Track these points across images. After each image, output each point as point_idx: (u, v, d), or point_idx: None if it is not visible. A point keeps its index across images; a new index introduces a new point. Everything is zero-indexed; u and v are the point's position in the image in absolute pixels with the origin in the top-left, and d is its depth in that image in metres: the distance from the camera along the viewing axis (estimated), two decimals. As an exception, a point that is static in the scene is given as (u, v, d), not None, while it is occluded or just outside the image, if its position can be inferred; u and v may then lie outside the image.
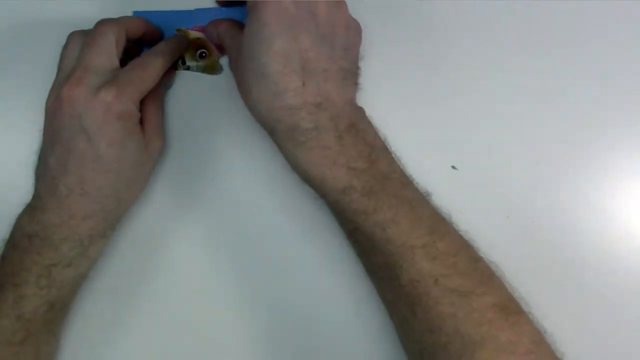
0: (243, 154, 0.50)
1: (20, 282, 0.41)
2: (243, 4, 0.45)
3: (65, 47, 0.45)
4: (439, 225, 0.41)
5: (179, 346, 0.49)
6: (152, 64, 0.44)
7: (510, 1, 0.50)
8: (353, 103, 0.44)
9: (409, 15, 0.50)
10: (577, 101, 0.49)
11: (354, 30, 0.45)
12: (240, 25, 0.46)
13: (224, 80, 0.51)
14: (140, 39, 0.48)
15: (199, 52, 0.51)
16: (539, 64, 0.49)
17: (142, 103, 0.44)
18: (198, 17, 0.51)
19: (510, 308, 0.39)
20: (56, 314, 0.44)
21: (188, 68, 0.51)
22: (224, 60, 0.51)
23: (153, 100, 0.46)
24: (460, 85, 0.49)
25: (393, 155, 0.43)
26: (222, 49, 0.51)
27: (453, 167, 0.48)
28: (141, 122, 0.44)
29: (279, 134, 0.42)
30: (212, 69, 0.51)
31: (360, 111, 0.44)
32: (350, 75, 0.44)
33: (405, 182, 0.42)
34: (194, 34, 0.51)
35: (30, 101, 0.48)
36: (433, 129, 0.49)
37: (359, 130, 0.41)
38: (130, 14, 0.50)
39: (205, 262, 0.49)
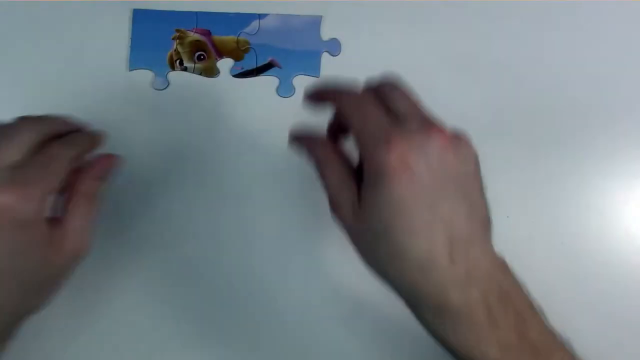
0: (238, 156, 0.50)
1: None
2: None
3: None
4: None
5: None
6: (55, 159, 0.39)
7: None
8: (497, 262, 0.37)
9: (408, 19, 0.51)
10: (578, 101, 0.49)
11: (477, 163, 0.38)
12: (346, 162, 0.37)
13: (220, 83, 0.51)
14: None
15: (197, 54, 0.51)
16: (538, 64, 0.49)
17: (69, 201, 0.40)
18: (201, 20, 0.51)
19: None
20: None
21: (185, 69, 0.51)
22: (221, 64, 0.51)
23: (82, 197, 0.40)
24: (460, 85, 0.49)
25: (541, 317, 0.38)
26: (220, 53, 0.51)
27: (452, 166, 0.48)
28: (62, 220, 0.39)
29: (423, 310, 0.36)
30: (210, 72, 0.51)
31: (506, 271, 0.38)
32: (488, 223, 0.38)
33: (556, 347, 0.38)
34: (194, 35, 0.51)
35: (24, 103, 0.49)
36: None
37: (509, 299, 0.36)
38: (130, 12, 0.51)
39: (204, 262, 0.49)
